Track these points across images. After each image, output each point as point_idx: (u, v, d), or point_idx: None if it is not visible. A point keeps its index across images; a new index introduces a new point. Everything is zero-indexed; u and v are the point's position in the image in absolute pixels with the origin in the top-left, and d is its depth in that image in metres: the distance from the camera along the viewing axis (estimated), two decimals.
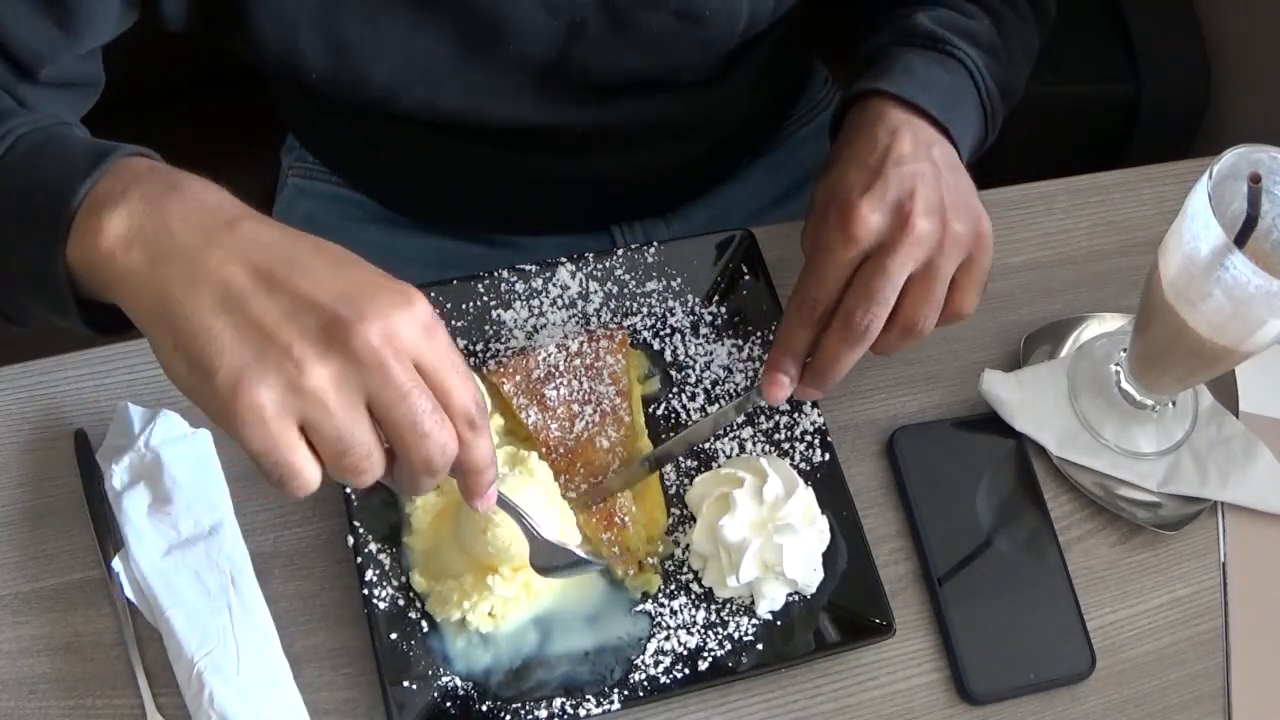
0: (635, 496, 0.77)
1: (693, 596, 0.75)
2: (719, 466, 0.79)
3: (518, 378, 0.79)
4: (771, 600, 0.75)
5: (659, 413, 0.82)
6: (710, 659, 0.73)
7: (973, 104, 0.83)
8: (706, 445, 0.81)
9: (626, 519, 0.76)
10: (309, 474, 0.55)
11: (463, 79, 0.83)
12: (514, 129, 0.89)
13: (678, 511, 0.78)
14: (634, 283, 0.86)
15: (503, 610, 0.72)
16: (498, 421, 0.78)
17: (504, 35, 0.80)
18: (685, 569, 0.76)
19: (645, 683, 0.72)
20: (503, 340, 0.83)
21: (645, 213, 1.05)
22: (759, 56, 0.94)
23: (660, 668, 0.73)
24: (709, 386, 0.83)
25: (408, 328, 0.56)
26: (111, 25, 0.74)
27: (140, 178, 0.59)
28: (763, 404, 0.80)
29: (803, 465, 0.80)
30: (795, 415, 0.81)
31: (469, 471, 0.60)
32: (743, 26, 0.85)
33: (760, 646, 0.74)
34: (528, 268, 0.85)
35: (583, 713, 0.71)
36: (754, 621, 0.75)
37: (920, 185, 0.73)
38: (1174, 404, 0.85)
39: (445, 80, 0.83)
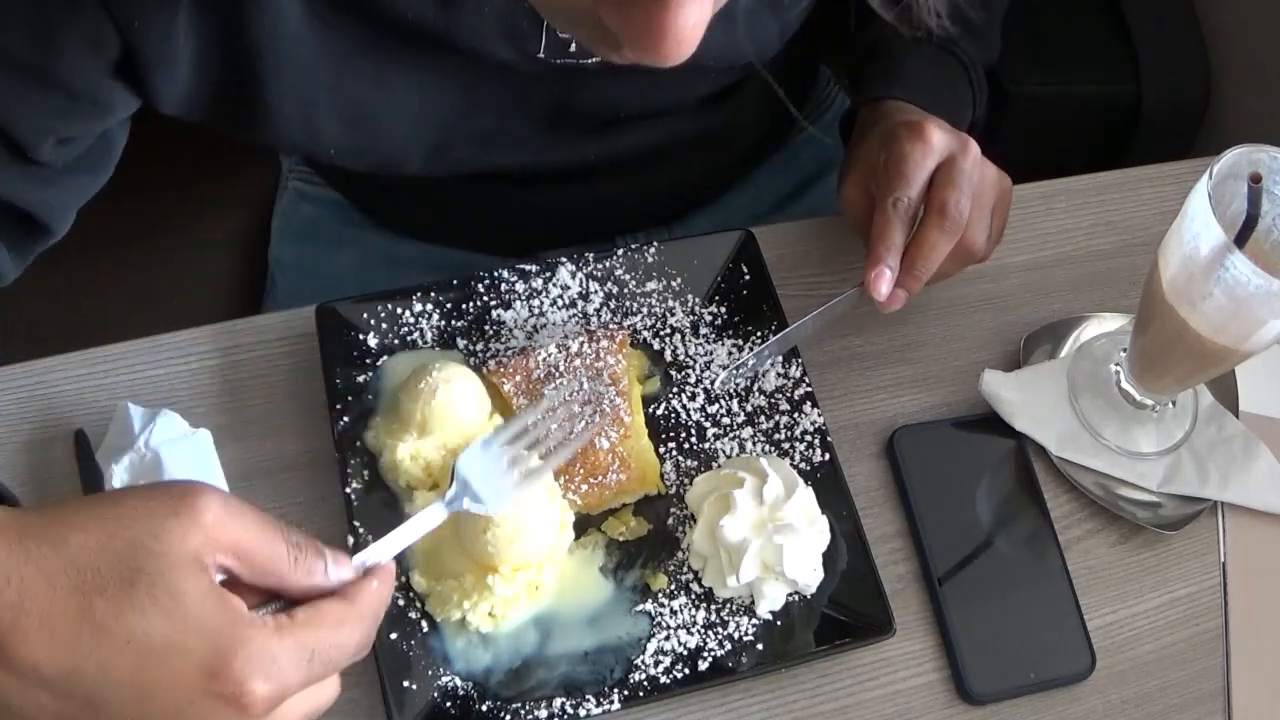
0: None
1: (693, 596, 0.75)
2: (719, 466, 0.79)
3: (518, 378, 0.79)
4: (771, 600, 0.74)
5: (659, 413, 0.82)
6: (710, 659, 0.73)
7: (968, 97, 0.89)
8: (706, 445, 0.81)
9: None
10: None
11: (471, 127, 0.83)
12: (523, 170, 0.90)
13: (678, 512, 0.78)
14: (634, 283, 0.86)
15: (503, 610, 0.72)
16: (498, 422, 0.78)
17: (506, 79, 0.80)
18: (685, 569, 0.76)
19: (645, 683, 0.72)
20: (503, 340, 0.83)
21: (649, 224, 1.05)
22: (764, 80, 0.94)
23: (660, 668, 0.73)
24: (709, 386, 0.83)
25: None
26: (126, 106, 0.71)
27: None
28: (848, 306, 0.82)
29: (803, 465, 0.80)
30: (795, 415, 0.81)
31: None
32: (745, 65, 0.86)
33: (760, 646, 0.74)
34: (528, 268, 0.85)
35: (583, 713, 0.71)
36: (754, 621, 0.75)
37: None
38: (1174, 404, 0.85)
39: (455, 131, 0.83)
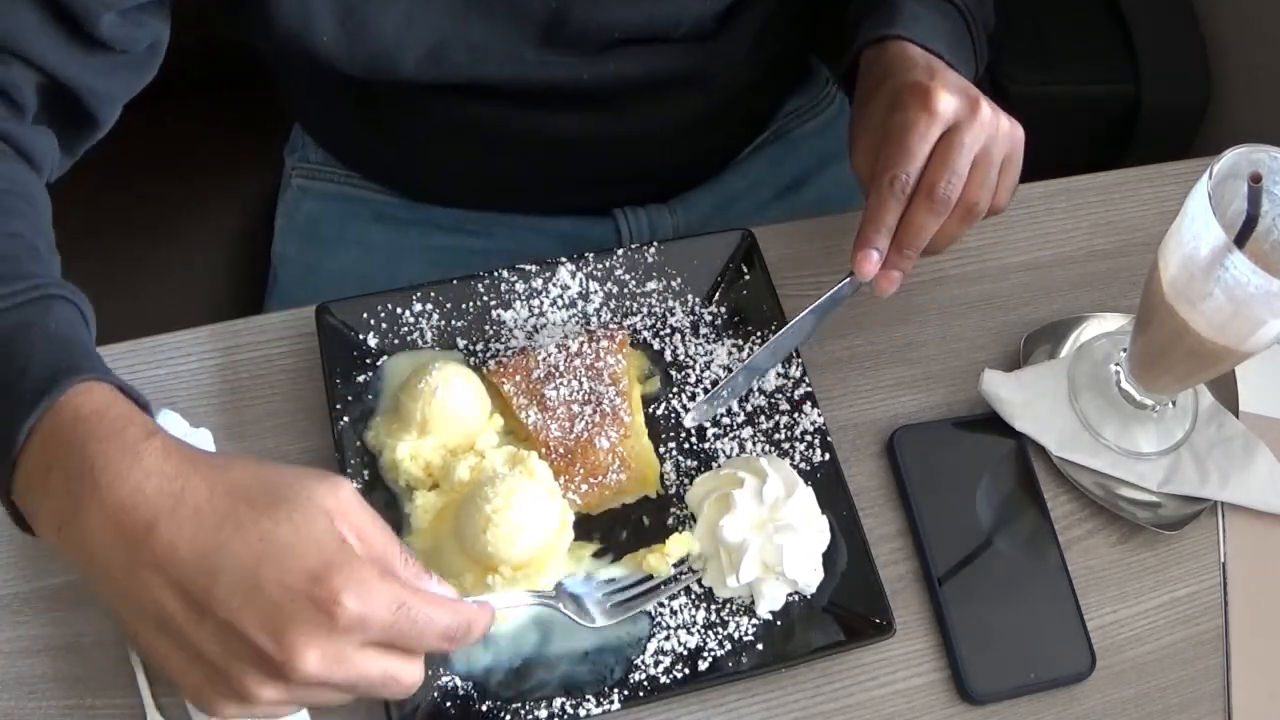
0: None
1: (693, 596, 0.75)
2: (719, 466, 0.79)
3: (518, 378, 0.79)
4: (771, 600, 0.75)
5: (659, 413, 0.82)
6: (710, 659, 0.73)
7: (968, 44, 0.88)
8: (706, 445, 0.81)
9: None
10: None
11: (465, 37, 0.84)
12: (516, 88, 0.90)
13: (678, 512, 0.78)
14: (634, 283, 0.86)
15: (503, 610, 0.72)
16: (497, 422, 0.78)
17: None
18: (686, 569, 0.76)
19: (645, 683, 0.72)
20: (503, 340, 0.83)
21: (648, 196, 1.05)
22: (757, 16, 0.95)
23: (660, 668, 0.73)
24: (709, 386, 0.83)
25: (339, 641, 0.55)
26: None
27: (63, 446, 0.59)
28: (846, 297, 0.81)
29: (803, 465, 0.80)
30: (795, 415, 0.81)
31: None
32: None
33: (760, 646, 0.74)
34: (528, 268, 0.85)
35: (583, 713, 0.71)
36: (754, 621, 0.75)
37: (970, 86, 0.79)
38: (1174, 404, 0.85)
39: (449, 36, 0.84)
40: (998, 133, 0.78)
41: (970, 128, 0.76)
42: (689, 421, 0.81)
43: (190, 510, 0.57)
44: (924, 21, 0.84)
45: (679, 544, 0.75)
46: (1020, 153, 0.80)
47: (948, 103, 0.76)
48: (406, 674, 0.58)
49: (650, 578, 0.75)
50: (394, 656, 0.58)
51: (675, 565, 0.75)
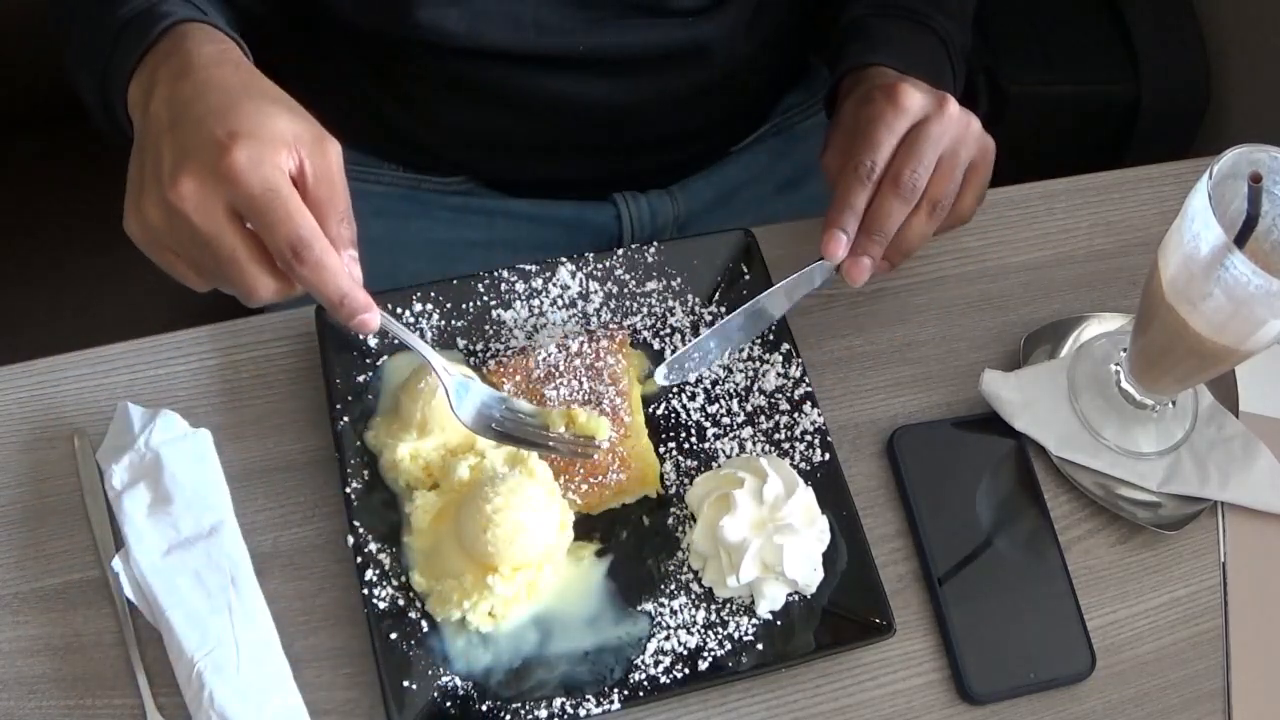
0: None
1: (693, 596, 0.75)
2: (719, 466, 0.79)
3: (518, 378, 0.79)
4: (771, 600, 0.75)
5: (659, 413, 0.82)
6: (710, 659, 0.73)
7: (948, 71, 0.90)
8: (706, 445, 0.81)
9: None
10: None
11: (469, 5, 0.87)
12: (516, 54, 0.91)
13: (678, 512, 0.79)
14: (634, 283, 0.86)
15: (503, 610, 0.72)
16: None
17: None
18: (685, 569, 0.76)
19: (645, 683, 0.72)
20: (503, 340, 0.83)
21: (649, 180, 1.05)
22: (747, 10, 0.97)
23: (660, 668, 0.73)
24: (709, 386, 0.83)
25: (214, 184, 0.63)
26: None
27: (163, 60, 0.70)
28: (818, 283, 0.81)
29: (803, 465, 0.80)
30: (795, 415, 0.81)
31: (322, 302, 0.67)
32: None
33: (760, 646, 0.74)
34: (528, 267, 0.85)
35: (583, 713, 0.71)
36: (754, 621, 0.75)
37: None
38: (1174, 404, 0.85)
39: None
40: (967, 133, 0.80)
41: (937, 122, 0.78)
42: (659, 379, 0.80)
43: (225, 70, 0.67)
44: (906, 50, 0.87)
45: (595, 423, 0.77)
46: (990, 160, 0.82)
47: (914, 98, 0.78)
48: (251, 272, 0.65)
49: (547, 429, 0.76)
50: (252, 246, 0.65)
51: (575, 437, 0.77)
